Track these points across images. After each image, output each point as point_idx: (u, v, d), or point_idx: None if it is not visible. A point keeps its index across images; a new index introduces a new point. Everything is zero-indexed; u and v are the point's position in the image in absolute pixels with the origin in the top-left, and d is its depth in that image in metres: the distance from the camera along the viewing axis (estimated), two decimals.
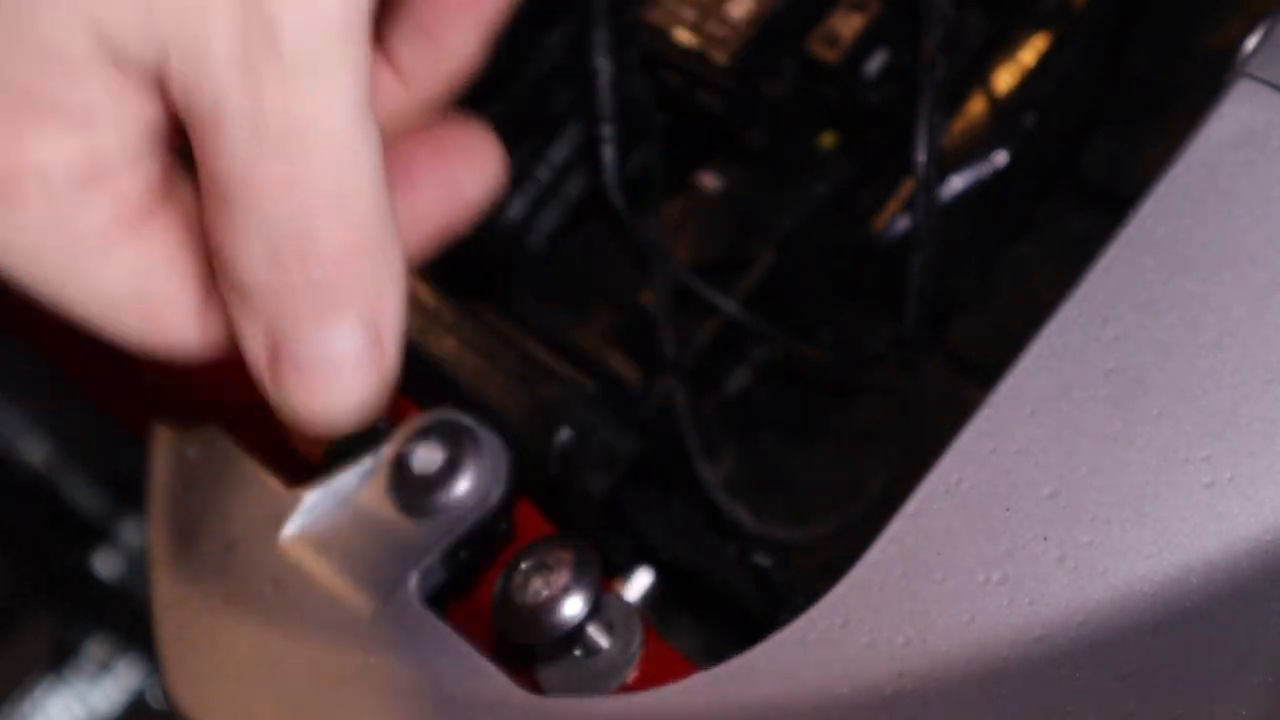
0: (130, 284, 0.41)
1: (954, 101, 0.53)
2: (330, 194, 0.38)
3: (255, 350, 0.40)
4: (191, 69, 0.37)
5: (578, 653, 0.47)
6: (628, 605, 0.47)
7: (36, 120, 0.38)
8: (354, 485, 0.48)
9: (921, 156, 0.51)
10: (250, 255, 0.38)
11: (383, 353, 0.40)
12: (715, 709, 0.42)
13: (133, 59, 0.38)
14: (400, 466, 0.47)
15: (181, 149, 0.40)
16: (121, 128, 0.39)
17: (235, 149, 0.37)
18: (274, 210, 0.38)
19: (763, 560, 0.52)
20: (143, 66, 0.38)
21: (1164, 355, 0.40)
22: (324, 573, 0.47)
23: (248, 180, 0.37)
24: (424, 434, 0.48)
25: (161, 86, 0.38)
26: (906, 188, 0.54)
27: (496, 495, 0.47)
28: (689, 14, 0.56)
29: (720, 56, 0.55)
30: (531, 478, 0.51)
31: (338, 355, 0.40)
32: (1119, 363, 0.40)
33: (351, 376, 0.40)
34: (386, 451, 0.48)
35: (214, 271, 0.40)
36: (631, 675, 0.47)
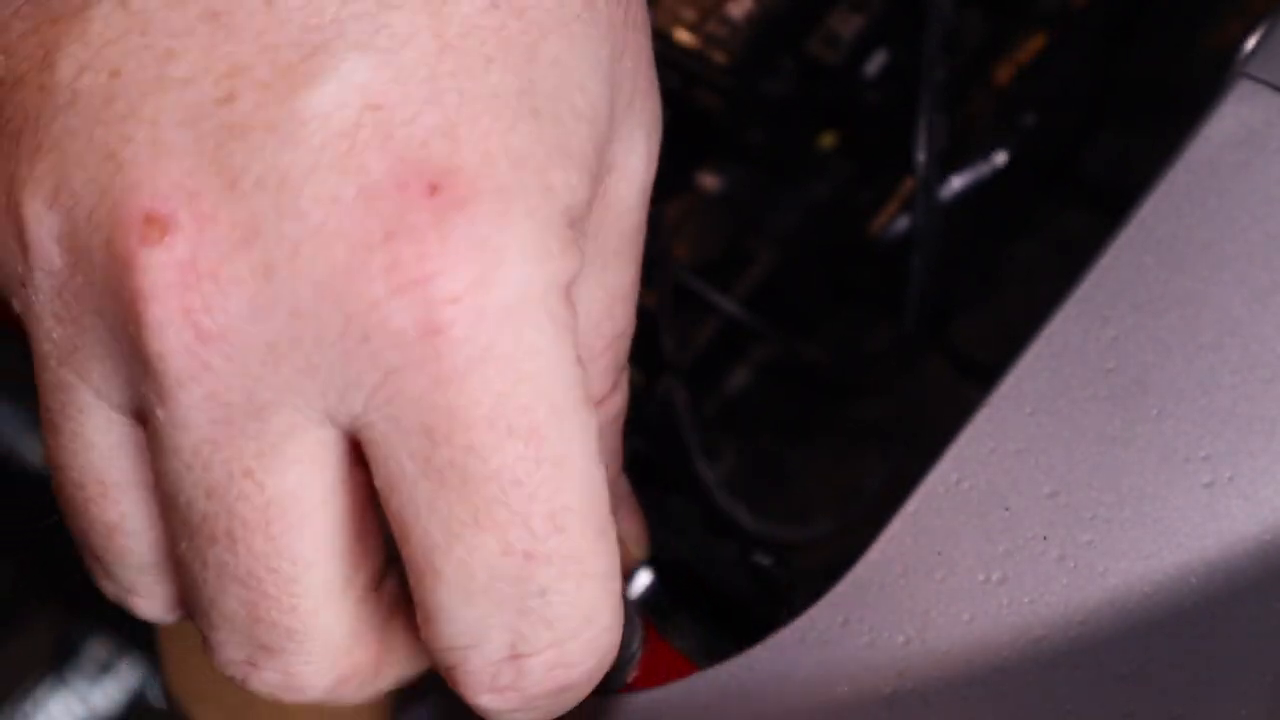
0: None
1: (954, 101, 0.53)
2: None
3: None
4: None
5: None
6: (627, 605, 0.47)
7: None
8: None
9: (921, 156, 0.51)
10: None
11: None
12: (715, 709, 0.41)
13: None
14: None
15: None
16: None
17: None
18: None
19: (763, 559, 0.51)
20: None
21: (1164, 355, 0.40)
22: None
23: None
24: None
25: None
26: (906, 188, 0.54)
27: None
28: (689, 14, 0.56)
29: (720, 56, 0.55)
30: None
31: None
32: (1119, 363, 0.40)
33: None
34: None
35: None
36: (631, 675, 0.47)
